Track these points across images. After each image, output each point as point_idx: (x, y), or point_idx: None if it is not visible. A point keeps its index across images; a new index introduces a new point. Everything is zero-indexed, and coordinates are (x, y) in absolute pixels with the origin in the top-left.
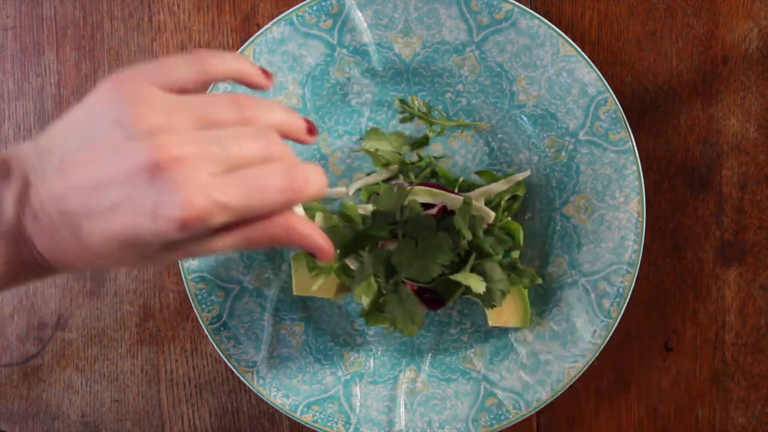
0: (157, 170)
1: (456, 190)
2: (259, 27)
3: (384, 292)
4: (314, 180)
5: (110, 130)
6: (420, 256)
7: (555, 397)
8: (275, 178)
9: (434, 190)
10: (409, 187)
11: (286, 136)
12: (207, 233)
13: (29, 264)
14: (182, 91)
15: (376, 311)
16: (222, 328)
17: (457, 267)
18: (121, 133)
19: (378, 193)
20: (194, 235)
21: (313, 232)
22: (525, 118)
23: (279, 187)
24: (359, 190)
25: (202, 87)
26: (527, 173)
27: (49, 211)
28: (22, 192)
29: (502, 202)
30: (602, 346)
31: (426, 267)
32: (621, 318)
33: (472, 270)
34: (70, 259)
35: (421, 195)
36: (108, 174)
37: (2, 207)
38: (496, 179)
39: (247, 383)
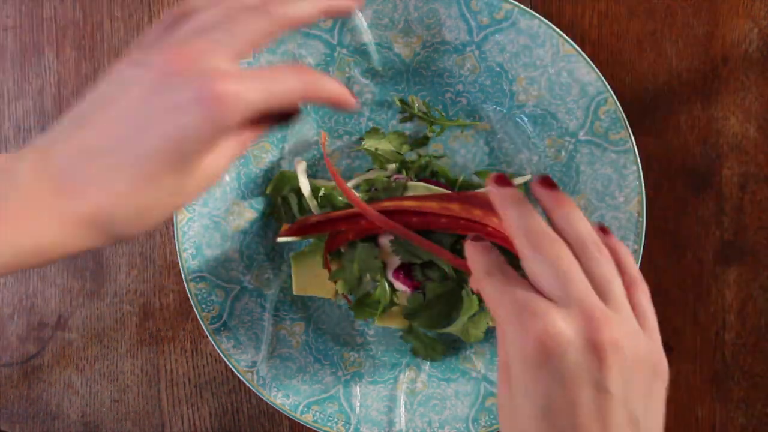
0: (181, 65)
1: (456, 190)
2: None
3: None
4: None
5: (124, 72)
6: (437, 310)
7: None
8: (290, 70)
9: (432, 186)
10: (407, 182)
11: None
12: (236, 123)
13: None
14: None
15: (364, 305)
16: (222, 328)
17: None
18: (136, 69)
19: (377, 188)
20: (231, 116)
21: (334, 82)
22: (525, 118)
23: (295, 71)
24: (359, 187)
25: None
26: (527, 177)
27: (82, 157)
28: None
29: None
30: None
31: (439, 319)
32: None
33: None
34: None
35: (419, 191)
36: (134, 97)
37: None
38: None
39: (247, 383)
